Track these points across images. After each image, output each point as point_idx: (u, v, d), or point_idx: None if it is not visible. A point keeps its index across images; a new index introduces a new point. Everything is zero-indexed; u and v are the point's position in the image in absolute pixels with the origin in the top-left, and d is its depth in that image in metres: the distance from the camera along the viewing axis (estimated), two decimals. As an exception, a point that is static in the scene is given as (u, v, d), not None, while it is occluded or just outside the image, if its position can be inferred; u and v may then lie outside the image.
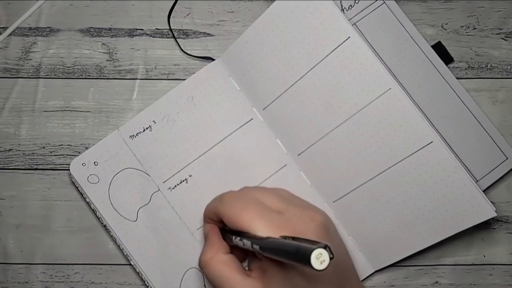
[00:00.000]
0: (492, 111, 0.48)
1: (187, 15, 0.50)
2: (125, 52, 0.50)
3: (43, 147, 0.49)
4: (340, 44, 0.46)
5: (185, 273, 0.47)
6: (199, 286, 0.47)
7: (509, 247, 0.48)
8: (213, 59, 0.49)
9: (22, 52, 0.50)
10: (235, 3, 0.50)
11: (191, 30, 0.50)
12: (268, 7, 0.47)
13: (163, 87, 0.50)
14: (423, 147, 0.45)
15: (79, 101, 0.50)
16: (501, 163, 0.47)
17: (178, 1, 0.50)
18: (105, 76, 0.50)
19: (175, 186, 0.48)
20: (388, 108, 0.45)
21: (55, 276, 0.48)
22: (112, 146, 0.48)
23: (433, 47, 0.48)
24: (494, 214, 0.44)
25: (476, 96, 0.49)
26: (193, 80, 0.49)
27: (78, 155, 0.48)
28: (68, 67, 0.50)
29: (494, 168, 0.47)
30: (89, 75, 0.50)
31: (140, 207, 0.48)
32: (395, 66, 0.48)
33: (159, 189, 0.48)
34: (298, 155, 0.48)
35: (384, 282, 0.48)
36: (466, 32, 0.49)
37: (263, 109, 0.48)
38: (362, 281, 0.47)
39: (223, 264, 0.41)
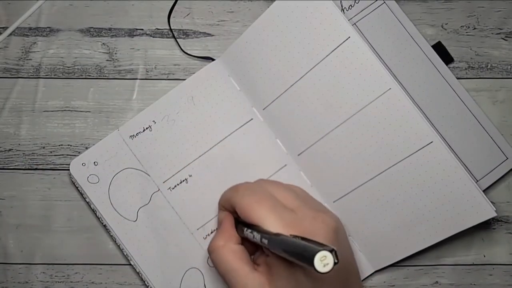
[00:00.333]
0: (492, 111, 0.48)
1: (187, 15, 0.50)
2: (125, 52, 0.50)
3: (43, 147, 0.49)
4: (340, 44, 0.46)
5: (185, 273, 0.47)
6: (199, 286, 0.47)
7: (509, 247, 0.48)
8: (213, 59, 0.49)
9: (22, 52, 0.50)
10: (235, 3, 0.50)
11: (191, 30, 0.50)
12: (268, 7, 0.47)
13: (163, 87, 0.50)
14: (423, 147, 0.45)
15: (79, 101, 0.50)
16: (501, 163, 0.47)
17: (178, 1, 0.50)
18: (105, 76, 0.50)
19: (175, 186, 0.48)
20: (388, 108, 0.45)
21: (55, 276, 0.48)
22: (112, 146, 0.48)
23: (433, 47, 0.48)
24: (494, 214, 0.44)
25: (476, 96, 0.48)
26: (193, 80, 0.49)
27: (78, 155, 0.48)
28: (68, 67, 0.50)
29: (494, 168, 0.47)
30: (89, 75, 0.50)
31: (140, 207, 0.48)
32: (395, 66, 0.48)
33: (159, 189, 0.48)
34: (298, 155, 0.48)
35: (384, 282, 0.48)
36: (466, 32, 0.49)
37: (263, 109, 0.48)
38: (362, 281, 0.47)
39: (233, 253, 0.41)
